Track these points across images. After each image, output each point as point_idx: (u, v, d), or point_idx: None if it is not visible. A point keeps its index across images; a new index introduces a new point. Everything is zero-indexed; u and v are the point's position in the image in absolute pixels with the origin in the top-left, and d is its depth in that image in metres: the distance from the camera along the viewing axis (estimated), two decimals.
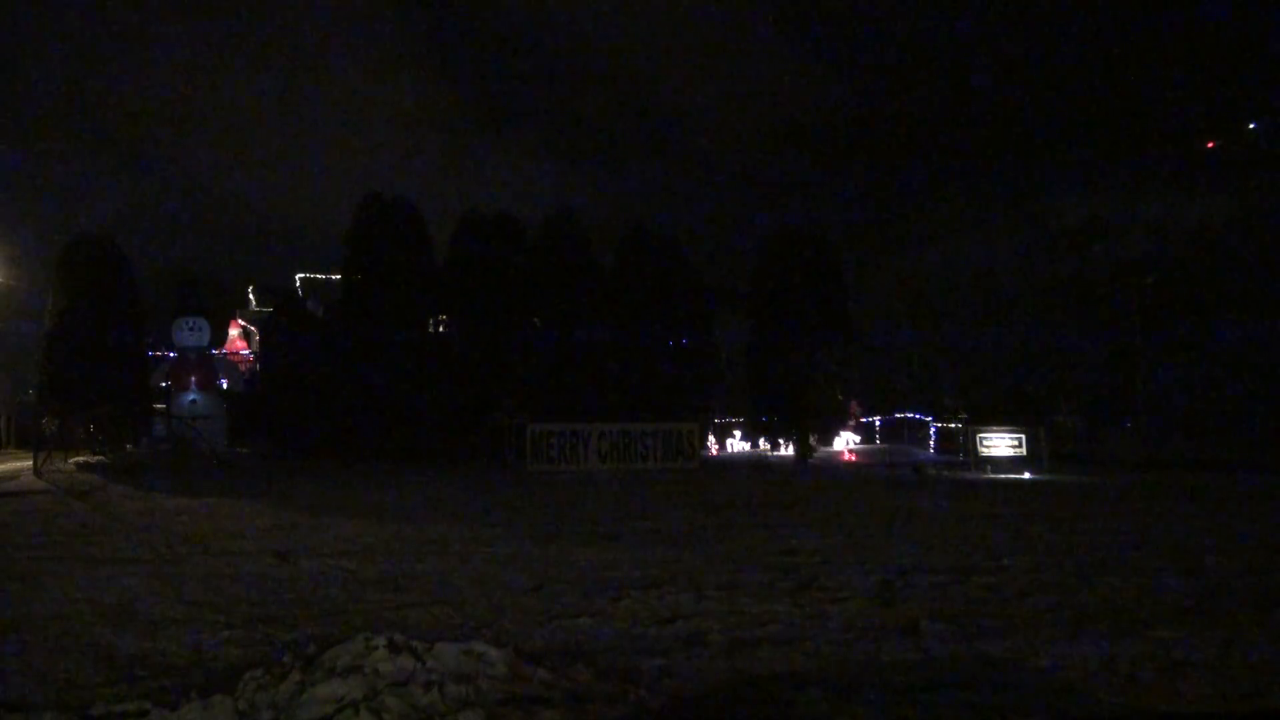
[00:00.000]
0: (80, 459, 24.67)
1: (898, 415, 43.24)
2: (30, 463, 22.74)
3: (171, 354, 35.91)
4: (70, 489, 18.14)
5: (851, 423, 37.35)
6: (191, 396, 32.98)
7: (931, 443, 36.68)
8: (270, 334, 34.43)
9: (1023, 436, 25.84)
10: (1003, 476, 23.06)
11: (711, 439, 37.93)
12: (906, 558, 8.86)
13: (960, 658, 5.22)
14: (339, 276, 35.89)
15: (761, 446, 39.27)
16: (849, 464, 30.32)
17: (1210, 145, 47.96)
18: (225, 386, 35.87)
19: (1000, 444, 25.73)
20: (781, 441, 36.26)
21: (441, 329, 33.59)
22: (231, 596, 7.14)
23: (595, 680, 4.29)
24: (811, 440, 31.75)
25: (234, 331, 52.35)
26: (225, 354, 46.85)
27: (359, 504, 15.35)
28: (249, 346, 51.03)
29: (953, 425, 29.77)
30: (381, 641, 4.22)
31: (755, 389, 34.92)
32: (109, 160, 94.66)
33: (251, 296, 57.51)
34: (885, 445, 38.09)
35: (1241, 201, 42.62)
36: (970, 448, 26.16)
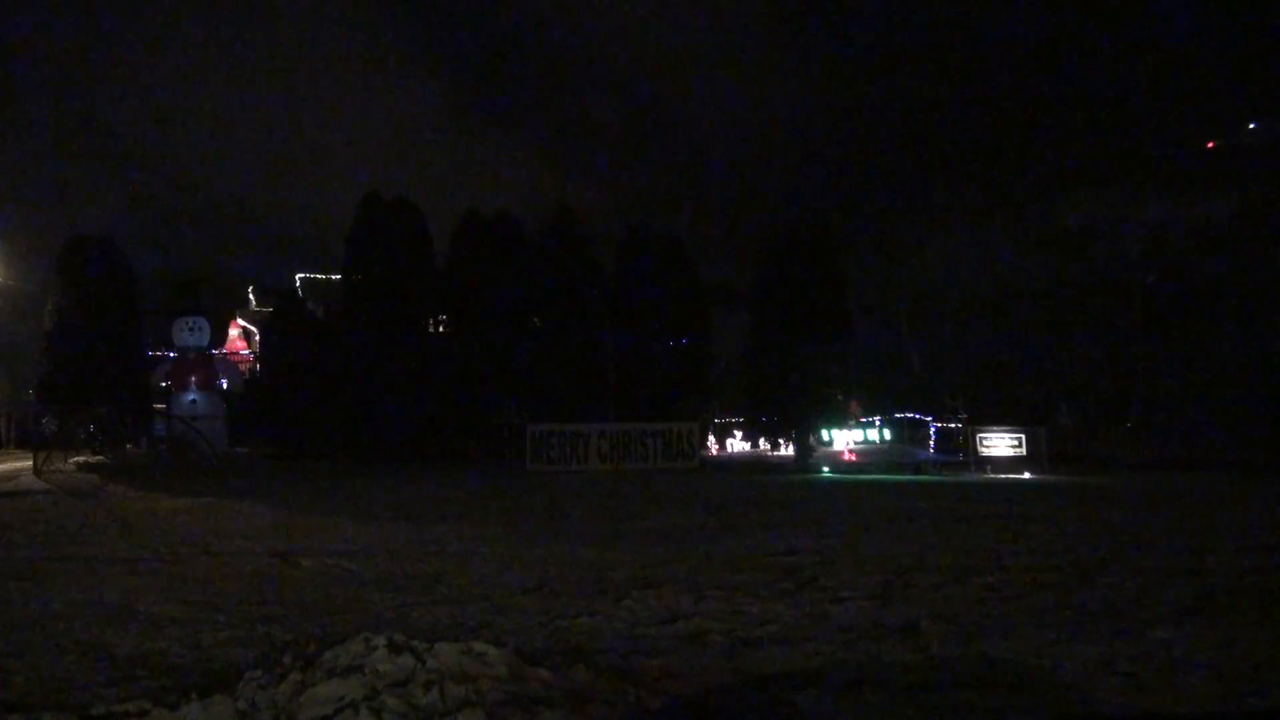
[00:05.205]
0: (80, 459, 24.66)
1: (898, 415, 43.14)
2: (30, 463, 22.73)
3: (171, 354, 35.88)
4: (70, 489, 18.14)
5: (851, 422, 37.32)
6: (191, 396, 32.93)
7: (931, 443, 36.65)
8: (270, 334, 34.46)
9: (1023, 436, 25.89)
10: (1003, 476, 23.07)
11: (711, 439, 37.94)
12: (906, 558, 8.86)
13: (960, 658, 5.22)
14: (339, 277, 35.92)
15: (762, 446, 39.25)
16: (850, 464, 30.27)
17: (1210, 145, 47.86)
18: (225, 386, 35.82)
19: (1000, 444, 25.79)
20: (781, 441, 36.23)
21: (441, 329, 33.61)
22: (231, 596, 7.13)
23: (595, 680, 4.28)
24: (811, 440, 31.74)
25: (234, 331, 52.41)
26: (225, 354, 46.87)
27: (359, 504, 15.35)
28: (249, 346, 51.09)
29: (953, 425, 29.78)
30: (381, 641, 4.21)
31: (755, 389, 34.93)
32: (109, 160, 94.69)
33: (251, 296, 57.60)
34: (885, 445, 38.00)
35: (1241, 201, 42.56)
36: (970, 448, 26.18)
